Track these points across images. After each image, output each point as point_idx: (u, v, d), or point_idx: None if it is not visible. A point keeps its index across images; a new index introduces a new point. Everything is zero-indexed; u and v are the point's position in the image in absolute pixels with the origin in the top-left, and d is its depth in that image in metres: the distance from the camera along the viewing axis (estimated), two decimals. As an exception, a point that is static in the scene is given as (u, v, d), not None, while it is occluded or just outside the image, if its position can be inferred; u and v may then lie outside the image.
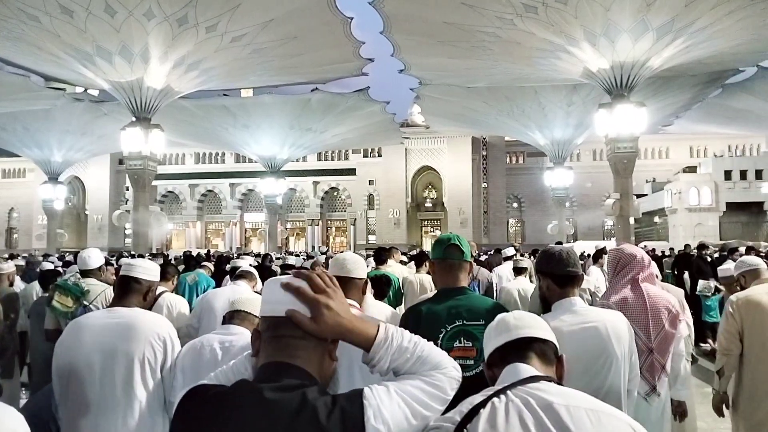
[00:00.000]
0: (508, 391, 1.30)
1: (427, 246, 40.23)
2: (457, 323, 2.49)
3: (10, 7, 14.92)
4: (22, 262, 10.60)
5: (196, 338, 2.85)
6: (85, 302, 4.05)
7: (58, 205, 30.50)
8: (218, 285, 6.87)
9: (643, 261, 3.08)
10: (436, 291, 2.74)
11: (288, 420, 1.11)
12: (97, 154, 32.63)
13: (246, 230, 46.29)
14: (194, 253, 14.14)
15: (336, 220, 45.30)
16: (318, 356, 1.24)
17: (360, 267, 2.66)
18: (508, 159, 43.77)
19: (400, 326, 2.59)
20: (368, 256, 8.95)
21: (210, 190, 45.28)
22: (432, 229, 43.67)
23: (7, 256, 12.64)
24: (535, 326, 1.52)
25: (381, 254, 6.91)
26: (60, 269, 7.61)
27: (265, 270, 6.59)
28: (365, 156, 42.10)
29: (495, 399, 1.28)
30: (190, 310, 4.58)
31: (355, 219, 42.93)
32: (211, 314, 4.03)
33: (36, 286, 6.19)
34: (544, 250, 2.71)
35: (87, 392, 2.55)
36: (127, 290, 2.82)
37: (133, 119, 18.97)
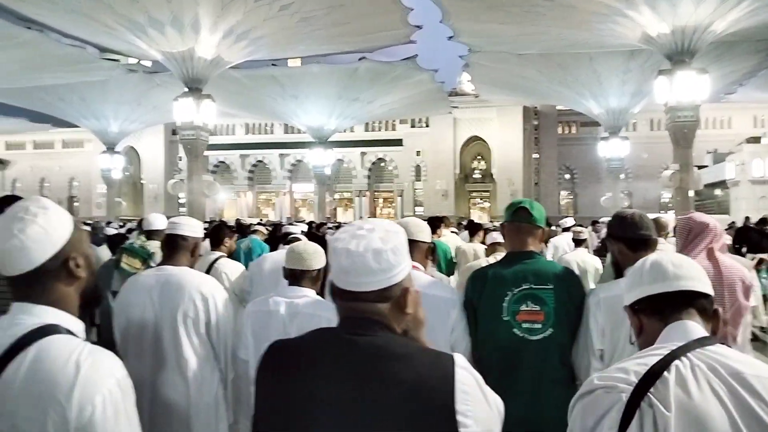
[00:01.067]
0: (689, 354, 1.21)
1: (476, 217, 39.88)
2: (524, 286, 2.47)
3: (66, -22, 15.28)
4: (87, 229, 11.02)
5: (260, 298, 2.90)
6: (152, 263, 4.18)
7: (115, 175, 31.61)
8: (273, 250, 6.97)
9: (716, 229, 2.91)
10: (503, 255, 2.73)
11: (375, 360, 1.17)
12: (151, 124, 33.49)
13: (295, 200, 46.90)
14: (247, 223, 14.39)
15: (383, 191, 45.29)
16: (390, 309, 1.27)
17: (424, 231, 2.69)
18: (560, 129, 42.56)
19: (464, 290, 2.55)
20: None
21: (260, 161, 45.92)
22: (481, 201, 43.16)
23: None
24: (697, 277, 1.37)
25: (433, 223, 6.83)
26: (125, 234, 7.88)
27: (314, 237, 6.60)
28: (412, 126, 41.70)
29: (678, 362, 1.19)
30: None
31: (402, 190, 42.82)
32: (262, 277, 4.08)
33: (104, 249, 6.41)
34: (616, 214, 2.67)
35: (143, 347, 2.66)
36: (175, 248, 2.87)
37: (185, 90, 19.27)
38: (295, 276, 2.79)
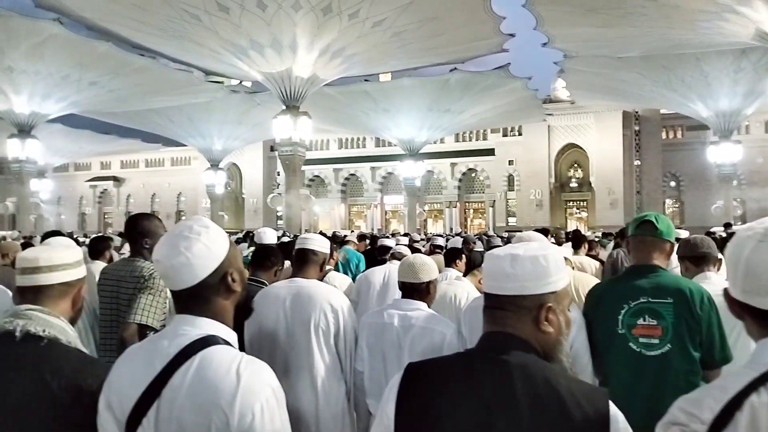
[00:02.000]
0: None
1: (572, 228, 38.40)
2: (642, 300, 2.41)
3: (175, 7, 16.40)
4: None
5: (374, 310, 2.99)
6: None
7: (218, 190, 33.50)
8: (368, 261, 7.09)
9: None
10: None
11: (523, 385, 1.16)
12: (251, 141, 35.17)
13: (386, 212, 47.37)
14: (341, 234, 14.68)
15: (474, 201, 44.71)
16: (527, 327, 1.27)
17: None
18: (664, 134, 40.13)
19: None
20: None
21: (352, 174, 46.83)
22: (578, 211, 41.56)
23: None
24: None
25: (577, 239, 6.62)
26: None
27: (414, 250, 6.62)
28: (505, 135, 40.94)
29: (754, 397, 1.04)
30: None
31: (494, 201, 42.05)
32: (370, 289, 4.13)
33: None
34: (683, 239, 3.37)
35: (275, 356, 2.73)
36: (306, 261, 3.01)
37: (284, 108, 20.11)
38: (406, 288, 2.82)
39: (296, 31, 17.22)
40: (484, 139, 41.61)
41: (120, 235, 12.17)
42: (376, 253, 7.81)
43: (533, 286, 1.26)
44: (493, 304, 1.30)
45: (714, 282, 2.85)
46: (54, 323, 1.59)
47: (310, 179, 46.67)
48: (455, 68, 23.50)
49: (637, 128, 39.18)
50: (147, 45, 20.20)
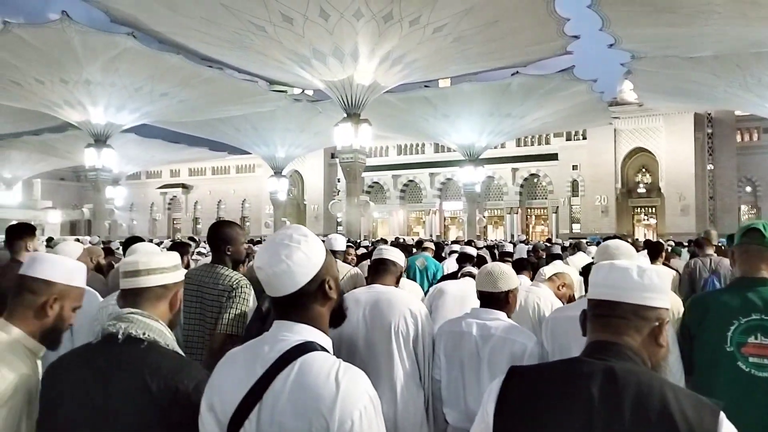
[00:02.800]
0: None
1: (641, 235, 37.00)
2: (754, 316, 2.24)
3: (241, 20, 16.91)
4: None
5: (452, 319, 2.95)
6: None
7: (281, 196, 34.28)
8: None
9: None
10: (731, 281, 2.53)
11: (629, 393, 1.15)
12: (313, 149, 35.80)
13: (445, 218, 47.09)
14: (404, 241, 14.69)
15: (536, 207, 43.83)
16: (641, 340, 1.29)
17: (635, 257, 2.72)
18: (738, 136, 38.13)
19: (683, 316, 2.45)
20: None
21: (411, 180, 46.86)
22: (646, 218, 40.01)
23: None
24: None
25: (655, 248, 6.33)
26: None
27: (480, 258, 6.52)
28: (568, 139, 39.96)
29: None
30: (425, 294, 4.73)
31: (557, 207, 41.06)
32: (444, 298, 4.08)
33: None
34: None
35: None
36: (385, 270, 3.08)
37: (345, 115, 20.35)
38: (485, 298, 2.77)
39: (358, 40, 17.41)
40: (547, 143, 40.77)
41: (191, 239, 12.58)
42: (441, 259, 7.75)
43: (658, 298, 1.30)
44: (610, 312, 1.30)
45: None
46: (153, 326, 1.66)
47: (369, 185, 46.99)
48: (517, 72, 23.13)
49: (709, 131, 37.40)
50: (214, 56, 20.92)
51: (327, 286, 1.44)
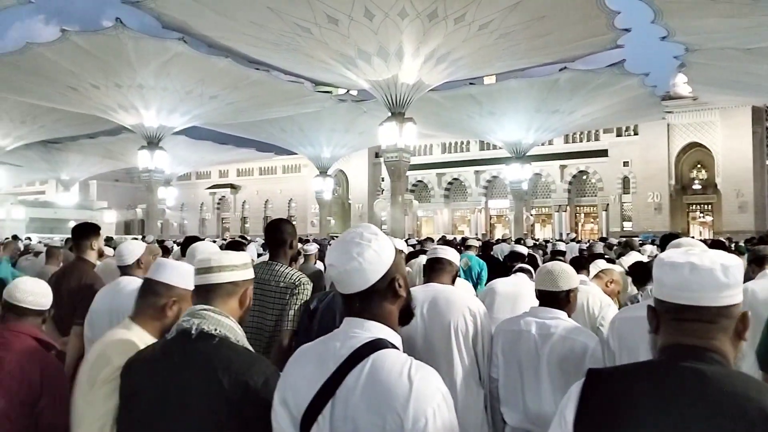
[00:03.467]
0: None
1: (696, 234, 35.75)
2: None
3: (288, 22, 17.12)
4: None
5: (510, 318, 2.93)
6: None
7: (326, 196, 34.62)
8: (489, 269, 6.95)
9: None
10: None
11: (721, 396, 1.09)
12: (357, 149, 35.98)
13: (491, 217, 46.61)
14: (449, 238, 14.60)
15: (585, 205, 42.88)
16: (727, 340, 1.24)
17: None
18: (800, 130, 36.42)
19: None
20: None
21: (456, 178, 46.56)
22: (701, 215, 38.59)
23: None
24: None
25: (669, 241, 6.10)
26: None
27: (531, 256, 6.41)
28: (619, 135, 38.91)
29: None
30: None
31: (608, 204, 40.06)
32: (495, 298, 4.03)
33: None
34: None
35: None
36: (440, 269, 3.08)
37: (389, 114, 20.36)
38: (544, 297, 2.73)
39: (402, 39, 17.38)
40: (596, 139, 39.82)
41: (242, 238, 12.83)
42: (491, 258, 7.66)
43: (738, 295, 1.24)
44: (696, 317, 1.23)
45: None
46: (224, 322, 1.71)
47: (414, 184, 46.93)
48: (565, 67, 22.64)
49: (768, 124, 35.79)
50: (261, 59, 21.26)
51: (397, 284, 1.45)
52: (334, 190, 38.79)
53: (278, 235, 3.16)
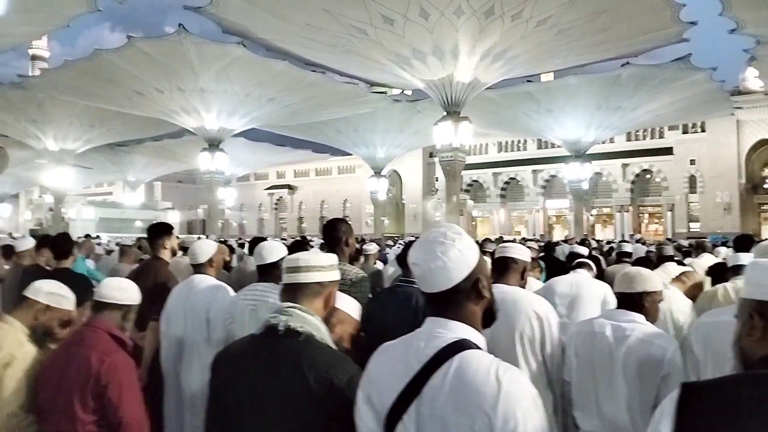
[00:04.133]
0: None
1: (767, 235, 33.94)
2: None
3: (344, 24, 17.27)
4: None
5: (584, 320, 2.88)
6: None
7: (381, 196, 34.76)
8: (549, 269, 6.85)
9: None
10: None
11: None
12: (411, 149, 35.96)
13: (549, 217, 45.65)
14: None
15: (649, 205, 41.39)
16: None
17: None
18: None
19: None
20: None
21: (512, 178, 45.84)
22: (775, 215, 36.64)
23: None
24: None
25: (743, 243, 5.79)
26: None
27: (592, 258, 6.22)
28: (685, 132, 37.34)
29: None
30: None
31: (673, 204, 38.52)
32: (554, 299, 3.95)
33: (389, 268, 6.94)
34: None
35: None
36: (507, 269, 3.02)
37: (444, 114, 20.24)
38: (620, 299, 2.67)
39: (458, 37, 17.23)
40: (661, 137, 38.36)
41: (303, 239, 13.03)
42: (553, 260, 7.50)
43: None
44: None
45: None
46: (310, 320, 1.76)
47: (468, 184, 46.50)
48: (627, 63, 21.91)
49: None
50: (317, 61, 21.54)
51: (481, 285, 1.44)
52: (388, 190, 38.90)
53: (334, 233, 3.25)
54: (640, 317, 2.57)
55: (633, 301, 2.59)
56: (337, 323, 2.38)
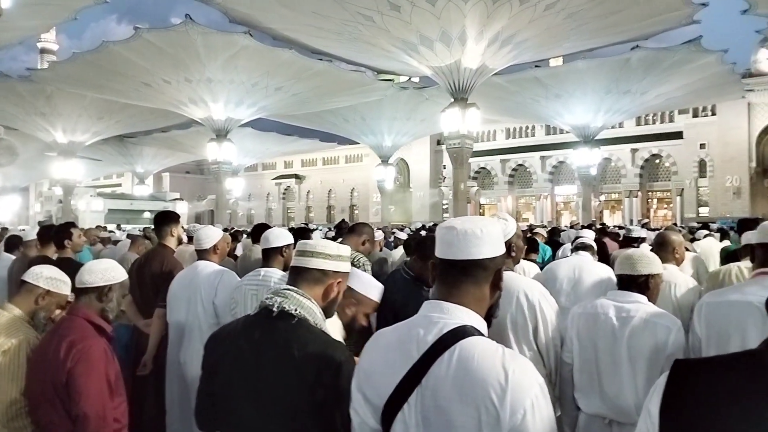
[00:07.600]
0: None
1: (779, 218, 33.56)
2: None
3: (350, 11, 17.17)
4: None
5: (586, 301, 2.82)
6: None
7: (388, 185, 34.72)
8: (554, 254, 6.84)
9: None
10: None
11: None
12: (418, 136, 35.82)
13: (557, 203, 45.45)
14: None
15: (658, 190, 41.08)
16: None
17: None
18: None
19: None
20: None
21: (520, 164, 45.63)
22: (786, 199, 36.25)
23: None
24: None
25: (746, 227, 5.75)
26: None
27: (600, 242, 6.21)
28: (695, 116, 36.94)
29: None
30: None
31: (682, 189, 38.22)
32: (555, 283, 3.92)
33: (395, 253, 6.97)
34: None
35: None
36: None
37: (452, 100, 20.12)
38: (623, 281, 2.63)
39: (465, 22, 17.09)
40: (671, 121, 37.97)
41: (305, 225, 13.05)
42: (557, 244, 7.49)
43: None
44: None
45: None
46: (305, 304, 1.74)
47: (476, 171, 46.32)
48: (637, 46, 21.66)
49: None
50: (324, 49, 21.46)
51: (499, 275, 1.40)
52: (395, 178, 38.84)
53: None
54: (643, 298, 2.55)
55: (637, 283, 2.56)
56: (350, 305, 2.37)
